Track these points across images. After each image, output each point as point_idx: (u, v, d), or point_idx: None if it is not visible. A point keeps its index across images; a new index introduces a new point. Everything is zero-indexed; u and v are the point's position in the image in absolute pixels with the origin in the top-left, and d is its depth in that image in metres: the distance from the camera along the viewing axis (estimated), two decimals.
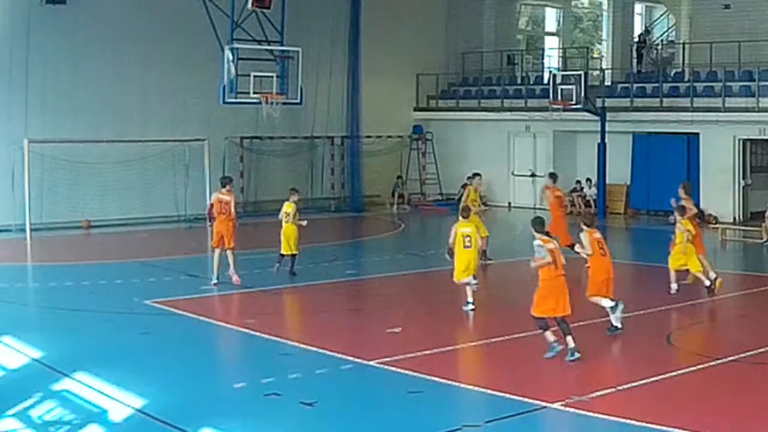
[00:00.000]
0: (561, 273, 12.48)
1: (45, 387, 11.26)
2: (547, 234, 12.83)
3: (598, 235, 14.15)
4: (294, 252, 18.91)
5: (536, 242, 12.61)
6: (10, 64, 25.94)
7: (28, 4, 26.02)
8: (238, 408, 10.63)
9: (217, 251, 18.08)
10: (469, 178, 21.22)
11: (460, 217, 16.02)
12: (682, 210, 17.03)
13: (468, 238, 15.59)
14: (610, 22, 38.49)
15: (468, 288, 15.68)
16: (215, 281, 17.98)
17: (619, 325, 13.87)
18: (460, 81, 35.34)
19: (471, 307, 15.60)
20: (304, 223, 18.99)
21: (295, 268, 18.91)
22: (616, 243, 26.83)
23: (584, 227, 14.13)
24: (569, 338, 12.37)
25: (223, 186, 18.29)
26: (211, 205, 18.60)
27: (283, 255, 18.93)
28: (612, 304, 13.86)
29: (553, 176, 21.52)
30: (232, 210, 17.92)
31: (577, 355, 12.30)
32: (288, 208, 18.96)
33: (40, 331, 14.56)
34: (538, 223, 12.85)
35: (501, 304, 17.17)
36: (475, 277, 15.69)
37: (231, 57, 23.99)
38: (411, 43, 33.83)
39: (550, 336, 12.49)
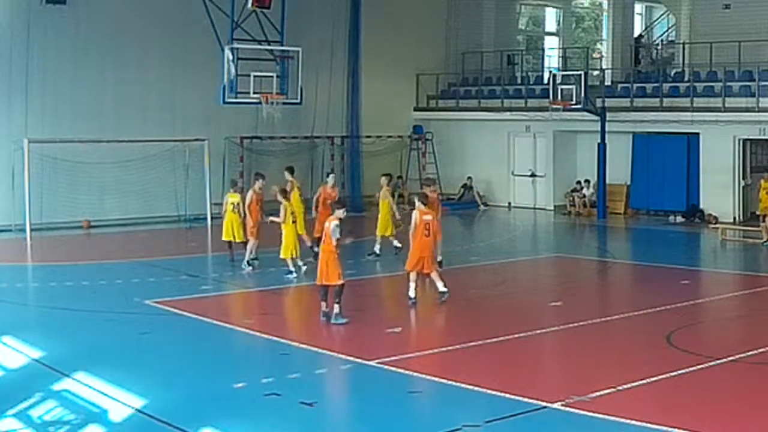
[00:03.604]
0: (334, 248, 14.53)
1: (45, 387, 11.24)
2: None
3: (428, 217, 15.86)
4: (243, 240, 20.00)
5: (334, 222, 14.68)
6: (10, 65, 25.90)
7: (28, 4, 26.00)
8: (238, 408, 10.62)
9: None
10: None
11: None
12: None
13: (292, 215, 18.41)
14: (610, 22, 38.51)
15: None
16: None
17: (445, 290, 15.77)
18: (460, 81, 35.32)
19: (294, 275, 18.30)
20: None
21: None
22: (616, 243, 27.00)
23: (420, 205, 15.89)
24: (323, 303, 14.55)
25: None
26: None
27: (229, 242, 20.25)
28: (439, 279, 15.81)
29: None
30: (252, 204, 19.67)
31: (334, 320, 14.37)
32: (232, 198, 20.42)
33: (40, 331, 14.55)
34: (338, 203, 15.42)
35: (500, 303, 17.16)
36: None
37: (231, 57, 24.01)
38: (411, 43, 33.81)
39: (324, 306, 14.58)
